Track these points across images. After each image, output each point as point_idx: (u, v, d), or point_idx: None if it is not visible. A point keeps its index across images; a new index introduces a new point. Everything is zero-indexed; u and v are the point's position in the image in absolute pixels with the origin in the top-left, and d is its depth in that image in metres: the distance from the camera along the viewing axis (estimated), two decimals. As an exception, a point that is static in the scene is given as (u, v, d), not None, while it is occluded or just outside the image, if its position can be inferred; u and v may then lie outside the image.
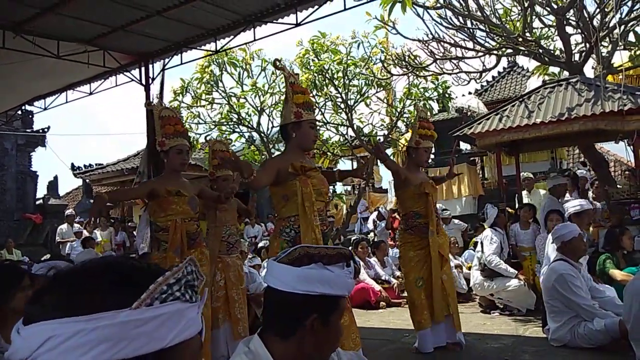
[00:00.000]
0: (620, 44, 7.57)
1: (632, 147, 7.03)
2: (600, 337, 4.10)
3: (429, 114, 9.68)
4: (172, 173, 3.75)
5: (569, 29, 7.81)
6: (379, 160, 4.33)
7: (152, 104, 3.95)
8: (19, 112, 12.90)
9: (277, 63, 3.44)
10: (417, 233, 4.45)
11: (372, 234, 10.94)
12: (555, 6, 7.43)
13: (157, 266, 0.78)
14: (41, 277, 3.19)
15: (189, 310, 0.74)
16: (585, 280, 4.48)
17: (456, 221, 9.27)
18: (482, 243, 6.31)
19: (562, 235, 4.43)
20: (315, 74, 9.30)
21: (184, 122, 4.07)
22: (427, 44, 7.97)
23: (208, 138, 6.93)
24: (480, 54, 7.96)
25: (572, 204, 5.68)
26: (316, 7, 6.82)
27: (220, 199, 4.07)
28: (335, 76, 9.29)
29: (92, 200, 16.39)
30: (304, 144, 3.16)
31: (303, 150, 3.20)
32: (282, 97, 10.40)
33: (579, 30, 7.74)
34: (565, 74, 8.11)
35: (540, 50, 7.82)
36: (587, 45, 7.61)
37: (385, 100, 10.17)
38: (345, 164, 16.66)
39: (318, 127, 9.57)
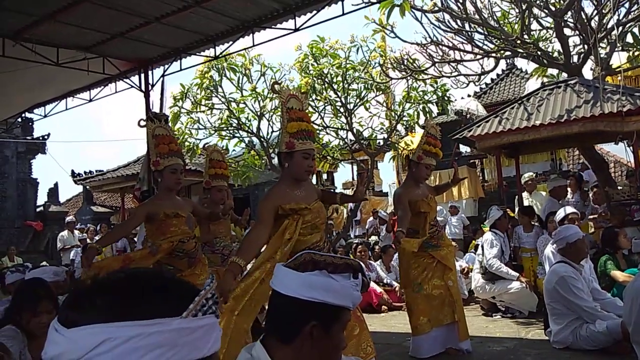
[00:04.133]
0: (618, 45, 7.58)
1: (631, 148, 7.04)
2: (603, 339, 4.10)
3: (428, 117, 9.73)
4: (166, 192, 3.75)
5: (567, 31, 7.82)
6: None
7: (146, 122, 3.91)
8: (19, 119, 12.93)
9: (275, 87, 3.27)
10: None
11: (374, 237, 10.95)
12: (553, 8, 7.44)
13: (188, 281, 0.82)
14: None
15: (217, 325, 0.78)
16: (586, 282, 4.47)
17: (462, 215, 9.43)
18: (482, 246, 6.31)
19: (567, 236, 4.41)
20: (315, 78, 9.30)
21: (177, 140, 4.04)
22: (425, 48, 7.98)
23: (206, 145, 6.95)
24: (478, 56, 7.97)
25: (559, 214, 5.82)
26: (314, 12, 6.84)
27: (213, 217, 4.08)
28: (335, 80, 9.29)
29: (92, 207, 16.45)
30: (296, 175, 3.02)
31: (296, 180, 3.05)
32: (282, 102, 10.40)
33: (577, 32, 7.75)
34: (564, 75, 8.13)
35: (539, 53, 7.84)
36: (586, 46, 7.62)
37: (384, 104, 10.18)
38: (345, 168, 16.65)
39: (318, 131, 9.67)
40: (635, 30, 7.65)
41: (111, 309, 0.70)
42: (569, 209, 6.03)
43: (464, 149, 12.40)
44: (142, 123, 3.96)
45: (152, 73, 8.66)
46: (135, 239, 10.52)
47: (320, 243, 3.09)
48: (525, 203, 8.10)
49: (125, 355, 0.67)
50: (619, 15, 7.36)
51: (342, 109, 9.50)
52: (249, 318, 2.81)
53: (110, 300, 0.71)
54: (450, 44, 7.99)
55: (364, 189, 3.63)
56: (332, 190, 15.20)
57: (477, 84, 9.75)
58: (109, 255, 11.14)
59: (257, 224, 3.04)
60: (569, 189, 7.72)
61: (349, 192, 14.85)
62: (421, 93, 9.38)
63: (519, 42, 7.47)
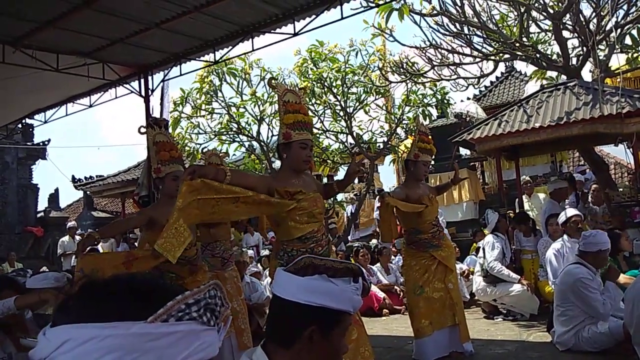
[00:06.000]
0: (617, 47, 7.60)
1: (631, 149, 7.04)
2: (604, 341, 4.10)
3: (427, 121, 9.76)
4: (168, 199, 3.77)
5: (565, 33, 7.84)
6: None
7: (147, 129, 3.93)
8: (20, 125, 12.95)
9: (272, 82, 3.31)
10: (418, 248, 4.47)
11: (374, 241, 10.94)
12: (551, 11, 7.46)
13: (180, 287, 0.80)
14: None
15: (205, 333, 0.74)
16: (598, 288, 4.45)
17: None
18: (483, 249, 6.31)
19: (602, 242, 4.36)
20: (314, 82, 9.32)
21: (177, 146, 4.06)
22: (424, 51, 8.00)
23: (205, 150, 6.99)
24: (477, 59, 7.99)
25: (561, 217, 5.83)
26: (313, 16, 6.85)
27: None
28: (334, 84, 9.30)
29: (92, 213, 16.45)
30: (294, 165, 3.06)
31: (294, 171, 3.09)
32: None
33: (576, 34, 7.77)
34: (563, 78, 8.14)
35: (538, 55, 7.85)
36: (584, 49, 7.64)
37: (384, 107, 10.19)
38: (344, 171, 16.68)
39: (318, 135, 9.68)
40: (634, 32, 7.67)
41: (80, 311, 0.71)
42: (571, 212, 5.99)
43: (463, 151, 12.39)
44: (143, 130, 3.97)
45: (152, 78, 8.66)
46: (136, 244, 10.51)
47: (318, 234, 3.10)
48: (526, 206, 8.11)
49: (82, 356, 0.67)
50: (617, 17, 7.38)
51: (341, 113, 9.51)
52: (204, 211, 2.75)
53: (81, 302, 0.72)
54: (449, 47, 8.01)
55: (353, 167, 3.60)
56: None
57: (476, 86, 9.77)
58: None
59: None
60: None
61: (350, 195, 14.89)
62: (421, 96, 9.39)
63: (517, 44, 7.49)
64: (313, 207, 3.06)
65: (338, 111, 9.59)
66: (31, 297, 2.84)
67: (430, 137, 4.63)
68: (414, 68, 8.46)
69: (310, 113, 9.19)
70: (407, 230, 4.60)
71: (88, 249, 3.71)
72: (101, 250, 11.30)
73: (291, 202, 2.95)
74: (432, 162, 4.90)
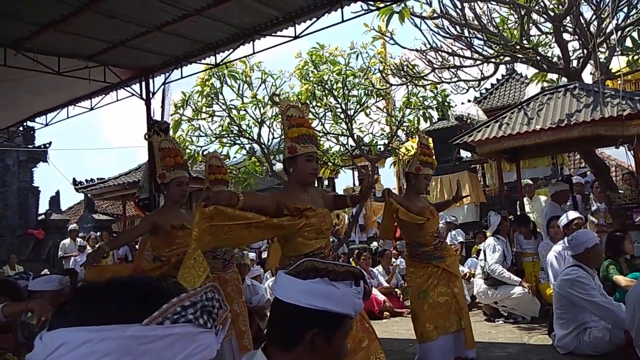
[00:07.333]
0: (617, 49, 7.59)
1: (632, 152, 7.03)
2: (606, 345, 4.09)
3: (428, 123, 9.77)
4: (172, 204, 3.80)
5: (566, 36, 7.84)
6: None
7: (152, 136, 3.96)
8: (21, 128, 12.96)
9: (275, 98, 3.34)
10: (421, 261, 4.43)
11: (375, 243, 10.94)
12: (552, 13, 7.46)
13: (177, 288, 0.79)
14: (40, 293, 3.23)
15: (202, 336, 0.73)
16: (597, 288, 4.44)
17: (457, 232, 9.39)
18: (484, 251, 6.31)
19: (585, 241, 4.37)
20: (315, 85, 9.33)
21: (183, 153, 4.10)
22: (425, 54, 8.00)
23: (205, 152, 7.01)
24: (478, 62, 7.99)
25: (562, 219, 5.84)
26: (314, 19, 6.86)
27: None
28: (335, 87, 9.33)
29: (93, 215, 16.46)
30: (300, 178, 3.05)
31: (302, 185, 3.08)
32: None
33: (576, 37, 7.77)
34: (564, 80, 8.14)
35: (538, 58, 7.85)
36: (585, 51, 7.64)
37: (384, 110, 10.20)
38: (346, 174, 16.70)
39: (319, 137, 9.68)
40: (634, 34, 7.66)
41: (77, 315, 0.71)
42: (573, 214, 6.00)
43: (464, 154, 12.40)
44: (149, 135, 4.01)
45: (153, 81, 8.68)
46: (137, 246, 10.51)
47: (325, 250, 3.08)
48: (527, 208, 8.11)
49: (78, 359, 0.67)
50: (617, 19, 7.38)
51: (342, 115, 9.52)
52: (217, 237, 2.74)
53: (78, 306, 0.73)
54: (450, 50, 8.01)
55: (368, 184, 3.64)
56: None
57: (477, 89, 9.77)
58: (110, 263, 11.17)
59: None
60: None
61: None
62: (421, 99, 9.41)
63: (518, 47, 7.49)
64: (322, 223, 3.04)
65: (339, 113, 9.61)
66: (18, 306, 2.85)
67: (432, 149, 4.62)
68: (414, 71, 8.47)
69: (311, 116, 9.21)
70: (409, 244, 4.56)
71: (95, 250, 3.73)
72: (102, 253, 11.29)
73: (301, 221, 2.93)
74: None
